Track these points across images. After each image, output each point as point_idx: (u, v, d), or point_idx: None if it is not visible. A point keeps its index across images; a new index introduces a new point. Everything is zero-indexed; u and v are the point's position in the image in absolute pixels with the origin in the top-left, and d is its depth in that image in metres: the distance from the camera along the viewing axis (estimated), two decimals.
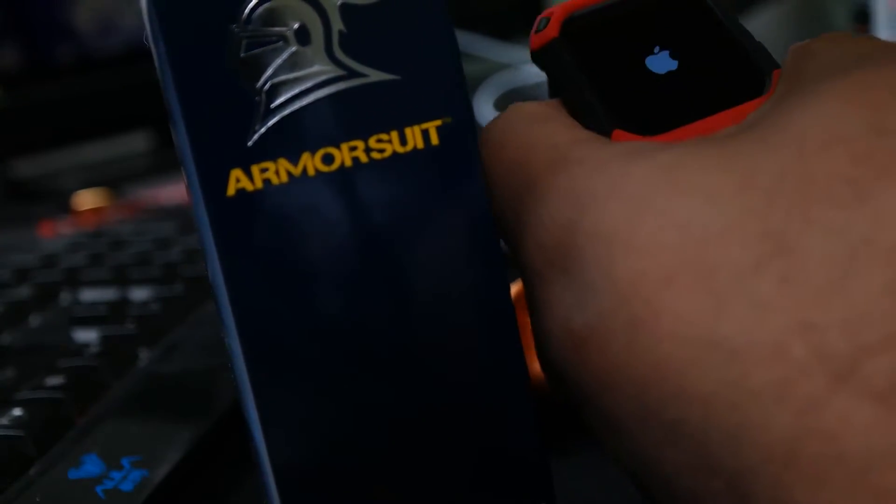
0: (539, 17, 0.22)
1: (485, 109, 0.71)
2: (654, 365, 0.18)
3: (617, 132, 0.21)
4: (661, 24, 0.22)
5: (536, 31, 0.22)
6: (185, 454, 0.30)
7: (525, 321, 0.22)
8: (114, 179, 0.66)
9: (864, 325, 0.16)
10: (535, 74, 0.76)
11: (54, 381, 0.33)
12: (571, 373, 0.19)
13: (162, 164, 0.70)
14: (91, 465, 0.29)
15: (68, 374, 0.33)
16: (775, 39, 0.60)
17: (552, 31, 0.22)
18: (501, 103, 0.73)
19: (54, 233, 0.57)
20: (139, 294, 0.41)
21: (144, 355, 0.36)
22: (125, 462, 0.29)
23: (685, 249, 0.18)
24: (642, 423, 0.18)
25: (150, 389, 0.34)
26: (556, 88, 0.22)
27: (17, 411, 0.31)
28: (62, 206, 0.60)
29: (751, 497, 0.17)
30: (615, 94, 0.21)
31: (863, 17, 0.47)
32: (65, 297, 0.42)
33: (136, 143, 0.73)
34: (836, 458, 0.16)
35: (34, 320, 0.40)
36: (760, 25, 0.60)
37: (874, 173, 0.17)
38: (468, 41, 0.78)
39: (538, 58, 0.22)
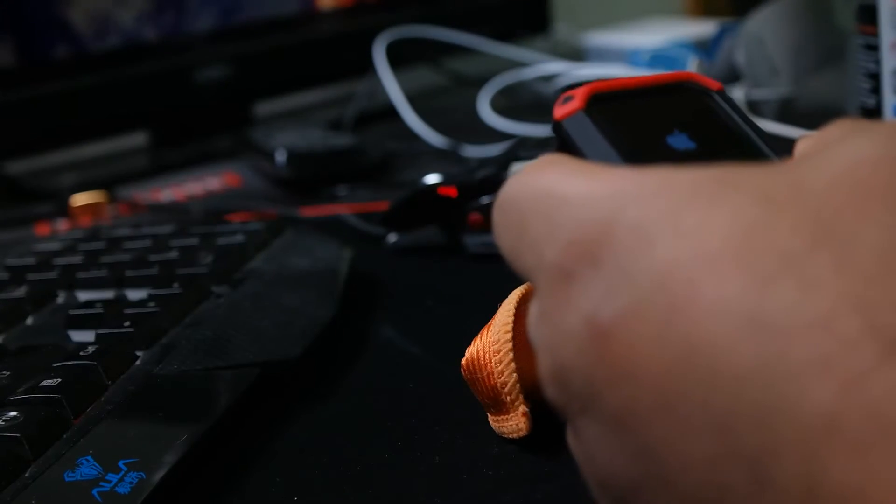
0: (563, 94, 0.24)
1: (484, 109, 0.71)
2: (687, 347, 0.18)
3: None
4: (679, 110, 0.24)
5: (561, 105, 0.24)
6: (182, 456, 0.30)
7: (523, 328, 0.22)
8: (110, 179, 0.66)
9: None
10: (534, 73, 0.76)
11: (50, 382, 0.32)
12: (584, 370, 0.20)
13: (159, 164, 0.71)
14: (87, 468, 0.29)
15: (64, 374, 0.33)
16: (780, 37, 0.60)
17: (578, 103, 0.24)
18: (500, 101, 0.73)
19: (51, 232, 0.58)
20: (136, 294, 0.41)
21: (141, 356, 0.36)
22: (122, 464, 0.29)
23: (732, 234, 0.18)
24: (663, 412, 0.18)
25: (146, 390, 0.34)
26: (579, 156, 0.23)
27: (12, 412, 0.31)
28: (59, 205, 0.60)
29: (774, 481, 0.17)
30: (637, 159, 0.22)
31: (867, 17, 0.47)
32: (61, 298, 0.42)
33: (132, 142, 0.73)
34: (881, 428, 0.16)
35: (30, 321, 0.40)
36: (765, 23, 0.60)
37: None
38: (469, 41, 0.79)
39: (561, 127, 0.24)
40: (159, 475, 0.29)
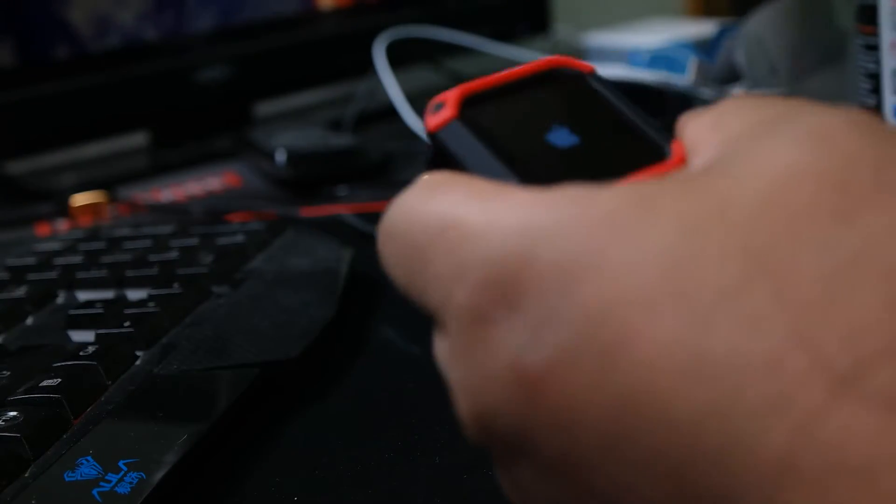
0: (433, 102, 0.23)
1: None
2: (631, 391, 0.17)
3: None
4: (556, 102, 0.23)
5: (432, 113, 0.23)
6: (183, 456, 0.30)
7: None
8: (111, 179, 0.66)
9: (864, 337, 0.16)
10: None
11: (50, 382, 0.32)
12: (513, 417, 0.19)
13: (159, 164, 0.71)
14: (87, 468, 0.29)
15: (64, 374, 0.33)
16: (780, 37, 0.60)
17: (450, 110, 0.22)
18: None
19: (51, 232, 0.58)
20: (136, 294, 0.41)
21: (141, 356, 0.36)
22: (122, 464, 0.29)
23: (663, 271, 0.17)
24: (610, 458, 0.18)
25: (146, 390, 0.34)
26: (459, 168, 0.22)
27: (12, 413, 0.31)
28: (59, 205, 0.60)
29: None
30: (523, 165, 0.21)
31: (867, 17, 0.47)
32: (61, 298, 0.42)
33: (133, 142, 0.73)
34: (838, 467, 0.16)
35: (30, 321, 0.40)
36: (765, 23, 0.60)
37: (854, 200, 0.17)
38: (469, 41, 0.79)
39: (437, 138, 0.23)
40: (159, 475, 0.28)
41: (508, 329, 0.19)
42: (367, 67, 0.72)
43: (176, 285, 0.41)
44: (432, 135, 0.23)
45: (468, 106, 0.23)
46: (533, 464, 0.19)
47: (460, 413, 0.20)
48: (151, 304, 0.39)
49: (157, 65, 0.69)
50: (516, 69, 0.24)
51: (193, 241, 0.45)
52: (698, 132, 0.21)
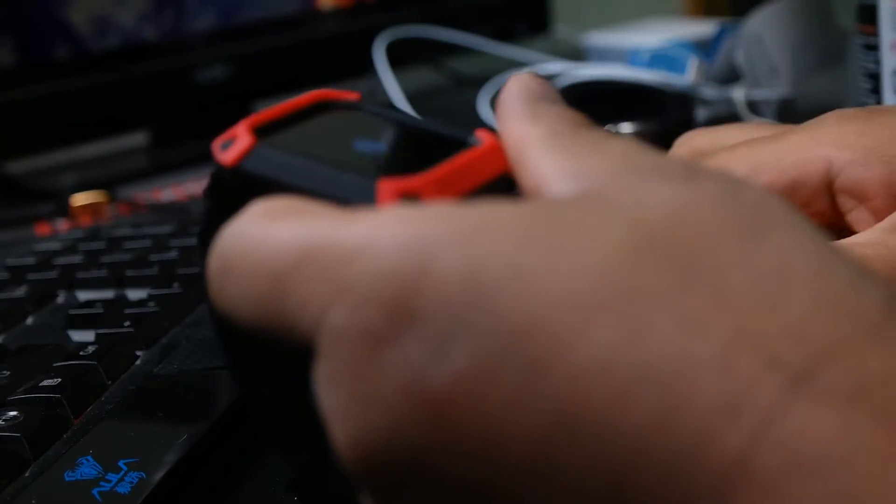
0: (217, 142, 0.22)
1: (484, 109, 0.71)
2: (562, 407, 0.16)
3: (384, 182, 0.20)
4: (345, 123, 0.23)
5: (224, 151, 0.22)
6: (183, 456, 0.30)
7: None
8: (111, 179, 0.66)
9: (808, 336, 0.16)
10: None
11: (50, 381, 0.32)
12: (408, 443, 0.17)
13: (159, 164, 0.71)
14: (87, 468, 0.28)
15: (64, 374, 0.33)
16: (780, 37, 0.60)
17: (247, 140, 0.21)
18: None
19: (51, 232, 0.58)
20: (136, 294, 0.41)
21: (141, 356, 0.36)
22: (122, 464, 0.29)
23: (593, 280, 0.17)
24: (537, 482, 0.16)
25: (147, 390, 0.33)
26: (276, 191, 0.21)
27: (12, 412, 0.31)
28: (59, 205, 0.60)
29: None
30: (349, 166, 0.21)
31: (867, 17, 0.47)
32: (61, 298, 0.42)
33: (133, 142, 0.73)
34: (796, 465, 0.15)
35: (30, 320, 0.40)
36: (765, 23, 0.60)
37: (753, 227, 0.18)
38: (469, 41, 0.78)
39: (243, 168, 0.21)
40: (159, 475, 0.28)
41: (403, 346, 0.17)
42: (367, 67, 0.72)
43: (176, 285, 0.41)
44: (234, 168, 0.21)
45: (260, 134, 0.22)
46: (427, 495, 0.18)
47: (338, 441, 0.18)
48: (151, 303, 0.39)
49: (157, 64, 0.69)
50: (287, 103, 0.23)
51: (193, 241, 0.45)
52: (542, 161, 0.20)
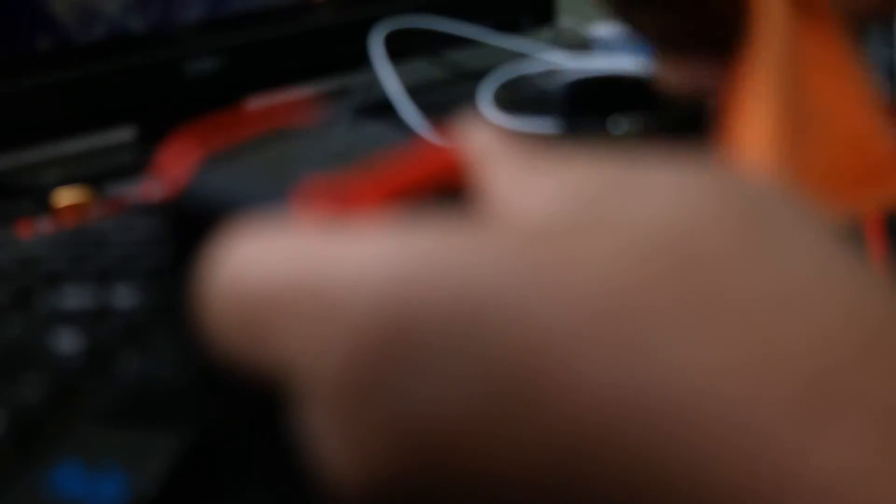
0: (153, 180, 0.22)
1: (486, 103, 0.71)
2: (575, 440, 0.16)
3: (310, 186, 0.20)
4: (281, 145, 0.23)
5: (161, 181, 0.21)
6: (172, 465, 0.29)
7: None
8: (96, 175, 0.66)
9: (825, 349, 0.16)
10: (539, 66, 0.76)
11: (33, 387, 0.32)
12: (418, 485, 0.17)
13: (147, 160, 0.70)
14: (73, 475, 0.28)
15: (49, 378, 0.32)
16: None
17: (187, 167, 0.21)
18: (503, 94, 0.73)
19: (33, 232, 0.56)
20: (123, 296, 0.40)
21: (129, 360, 0.35)
22: (108, 472, 0.28)
23: (593, 306, 0.16)
24: None
25: (135, 395, 0.33)
26: (220, 211, 0.20)
27: None
28: (41, 203, 0.60)
29: None
30: (281, 178, 0.20)
31: None
32: (44, 300, 0.41)
33: (119, 136, 0.72)
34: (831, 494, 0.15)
35: (12, 324, 0.39)
36: None
37: (767, 226, 0.18)
38: (470, 32, 0.78)
39: (188, 199, 0.21)
40: (148, 482, 0.28)
41: (397, 387, 0.17)
42: (364, 60, 0.72)
43: (164, 286, 0.39)
44: (175, 200, 0.21)
45: (206, 161, 0.21)
46: None
47: (334, 476, 0.18)
48: (138, 305, 0.38)
49: (145, 56, 0.69)
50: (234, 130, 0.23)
51: None
52: (502, 176, 0.20)
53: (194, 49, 0.70)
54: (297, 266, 0.18)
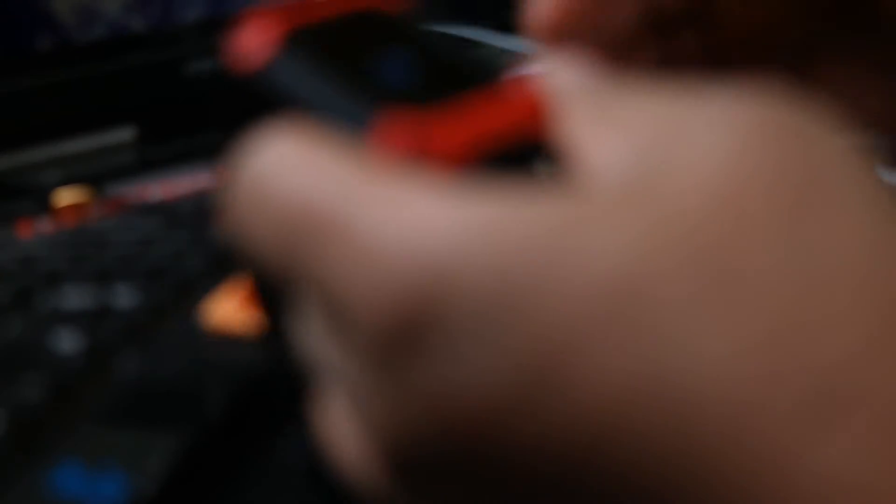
0: (241, 38, 0.20)
1: None
2: (593, 429, 0.16)
3: (390, 116, 0.19)
4: (376, 36, 0.22)
5: (243, 49, 0.20)
6: (172, 464, 0.29)
7: None
8: (96, 176, 0.65)
9: (837, 344, 0.16)
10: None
11: (34, 387, 0.32)
12: (447, 456, 0.17)
13: (147, 160, 0.70)
14: (73, 475, 0.29)
15: (49, 380, 0.33)
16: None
17: (275, 43, 0.20)
18: None
19: (33, 232, 0.56)
20: (123, 296, 0.41)
21: (129, 360, 0.36)
22: (108, 472, 0.29)
23: (610, 288, 0.16)
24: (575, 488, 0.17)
25: (134, 396, 0.33)
26: (292, 104, 0.20)
27: None
28: (41, 203, 0.59)
29: None
30: (366, 90, 0.19)
31: None
32: (44, 300, 0.41)
33: (119, 137, 0.72)
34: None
35: (12, 324, 0.39)
36: None
37: (808, 202, 0.17)
38: (470, 33, 0.78)
39: (257, 80, 0.20)
40: (148, 482, 0.28)
41: (425, 359, 0.17)
42: None
43: (165, 287, 0.40)
44: (254, 76, 0.20)
45: (287, 40, 0.20)
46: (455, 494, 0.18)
47: (375, 440, 0.18)
48: (139, 306, 0.38)
49: (145, 56, 0.69)
50: (326, 4, 0.22)
51: (182, 242, 0.45)
52: (582, 127, 0.19)
53: (194, 49, 0.70)
54: (351, 194, 0.17)
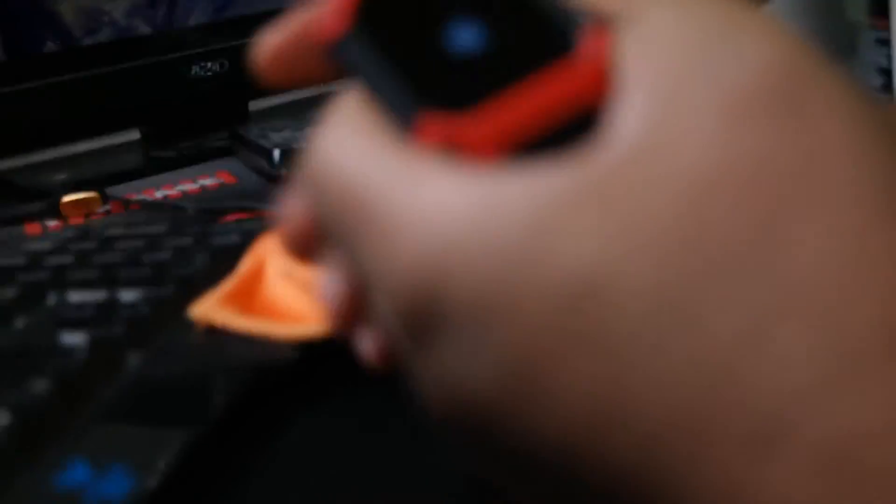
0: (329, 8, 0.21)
1: None
2: (612, 400, 0.16)
3: (425, 115, 0.19)
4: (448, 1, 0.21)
5: (329, 18, 0.21)
6: (177, 461, 0.30)
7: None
8: (102, 177, 0.65)
9: (809, 364, 0.16)
10: None
11: (40, 384, 0.32)
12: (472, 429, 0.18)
13: (152, 161, 0.70)
14: (78, 472, 0.29)
15: (55, 377, 0.33)
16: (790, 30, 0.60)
17: (344, 20, 0.21)
18: None
19: (41, 232, 0.57)
20: (129, 295, 0.41)
21: (134, 358, 0.36)
22: (114, 469, 0.29)
23: (570, 301, 0.16)
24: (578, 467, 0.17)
25: (139, 394, 0.34)
26: (359, 80, 0.21)
27: (2, 415, 0.30)
28: (49, 204, 0.59)
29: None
30: (419, 75, 0.20)
31: (880, 8, 0.46)
32: (51, 299, 0.42)
33: (125, 139, 0.72)
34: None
35: (20, 322, 0.40)
36: (775, 16, 0.59)
37: (789, 212, 0.16)
38: None
39: (342, 50, 0.21)
40: (152, 479, 0.28)
41: (433, 350, 0.18)
42: None
43: (169, 286, 0.40)
44: (328, 49, 0.21)
45: (358, 16, 0.21)
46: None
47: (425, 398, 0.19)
48: (144, 305, 0.38)
49: (150, 59, 0.68)
50: None
51: (187, 241, 0.45)
52: (631, 56, 0.18)
53: (199, 52, 0.70)
54: (387, 182, 0.18)
